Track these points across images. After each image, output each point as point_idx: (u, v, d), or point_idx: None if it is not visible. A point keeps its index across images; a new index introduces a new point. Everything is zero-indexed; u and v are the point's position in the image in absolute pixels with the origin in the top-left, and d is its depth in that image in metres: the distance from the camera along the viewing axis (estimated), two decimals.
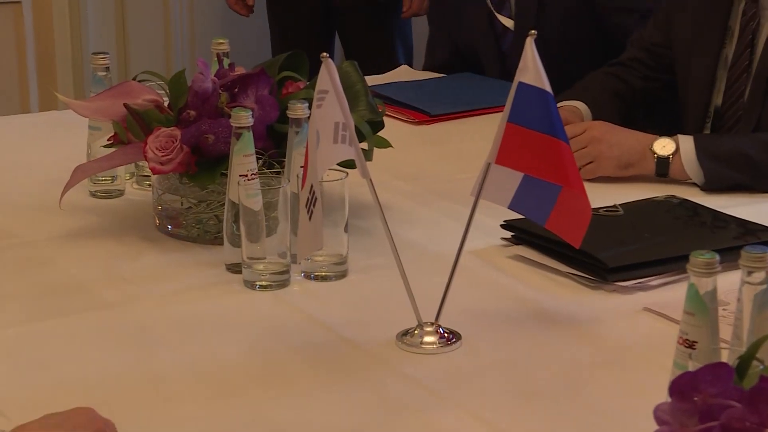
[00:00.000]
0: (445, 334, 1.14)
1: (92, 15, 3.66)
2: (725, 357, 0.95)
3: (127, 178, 1.66)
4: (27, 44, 3.65)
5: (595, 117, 1.84)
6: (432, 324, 1.15)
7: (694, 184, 1.67)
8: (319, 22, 3.20)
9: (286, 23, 3.31)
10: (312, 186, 1.14)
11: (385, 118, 1.57)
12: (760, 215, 1.48)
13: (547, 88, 1.13)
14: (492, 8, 2.41)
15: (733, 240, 1.38)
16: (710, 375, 0.81)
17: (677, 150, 1.66)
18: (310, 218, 1.15)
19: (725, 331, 1.01)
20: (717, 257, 0.98)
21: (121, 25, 3.73)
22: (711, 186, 1.64)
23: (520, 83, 1.12)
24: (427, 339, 1.14)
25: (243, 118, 1.27)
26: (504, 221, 1.40)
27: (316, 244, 1.21)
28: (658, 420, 0.81)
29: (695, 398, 0.81)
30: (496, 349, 1.16)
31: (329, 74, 1.12)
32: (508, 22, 2.44)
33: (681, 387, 0.82)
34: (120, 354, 1.10)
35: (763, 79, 1.73)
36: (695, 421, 0.80)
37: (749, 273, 0.96)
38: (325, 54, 1.15)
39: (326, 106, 1.13)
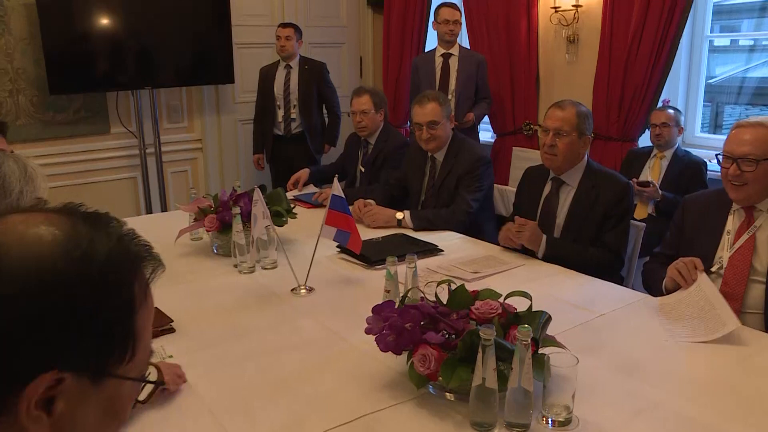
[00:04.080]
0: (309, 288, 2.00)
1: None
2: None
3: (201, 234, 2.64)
4: (140, 205, 4.55)
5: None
6: (303, 286, 1.98)
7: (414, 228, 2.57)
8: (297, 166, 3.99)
9: (279, 168, 4.50)
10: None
11: (296, 208, 2.50)
12: (437, 240, 2.41)
13: (342, 195, 1.95)
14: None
15: (417, 247, 2.28)
16: (387, 305, 1.23)
17: (404, 216, 2.66)
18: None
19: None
20: (396, 257, 1.67)
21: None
22: (418, 227, 2.59)
23: (333, 195, 2.00)
24: (302, 291, 1.98)
25: (235, 210, 2.25)
26: (337, 245, 2.30)
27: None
28: (368, 325, 1.19)
29: (382, 313, 1.20)
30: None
31: (258, 196, 2.10)
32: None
33: (377, 309, 1.23)
34: None
35: (438, 185, 2.65)
36: (381, 323, 1.18)
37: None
38: (256, 186, 2.07)
39: (259, 204, 2.09)
